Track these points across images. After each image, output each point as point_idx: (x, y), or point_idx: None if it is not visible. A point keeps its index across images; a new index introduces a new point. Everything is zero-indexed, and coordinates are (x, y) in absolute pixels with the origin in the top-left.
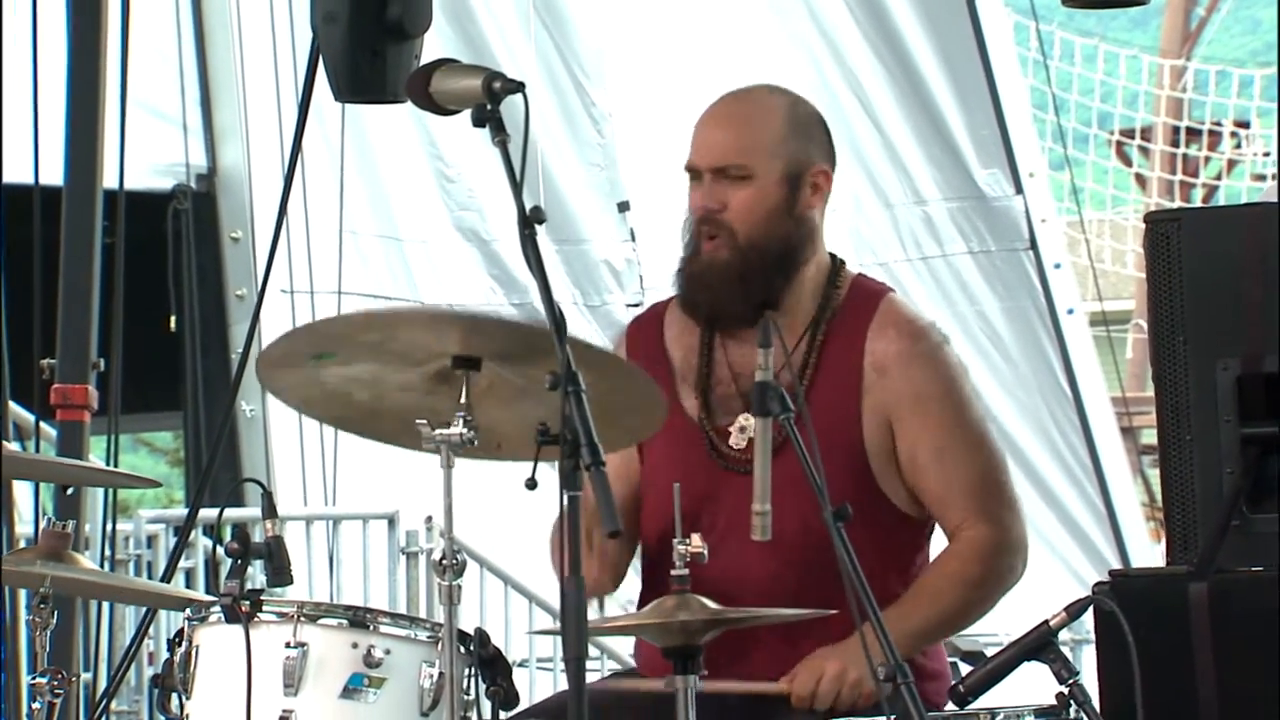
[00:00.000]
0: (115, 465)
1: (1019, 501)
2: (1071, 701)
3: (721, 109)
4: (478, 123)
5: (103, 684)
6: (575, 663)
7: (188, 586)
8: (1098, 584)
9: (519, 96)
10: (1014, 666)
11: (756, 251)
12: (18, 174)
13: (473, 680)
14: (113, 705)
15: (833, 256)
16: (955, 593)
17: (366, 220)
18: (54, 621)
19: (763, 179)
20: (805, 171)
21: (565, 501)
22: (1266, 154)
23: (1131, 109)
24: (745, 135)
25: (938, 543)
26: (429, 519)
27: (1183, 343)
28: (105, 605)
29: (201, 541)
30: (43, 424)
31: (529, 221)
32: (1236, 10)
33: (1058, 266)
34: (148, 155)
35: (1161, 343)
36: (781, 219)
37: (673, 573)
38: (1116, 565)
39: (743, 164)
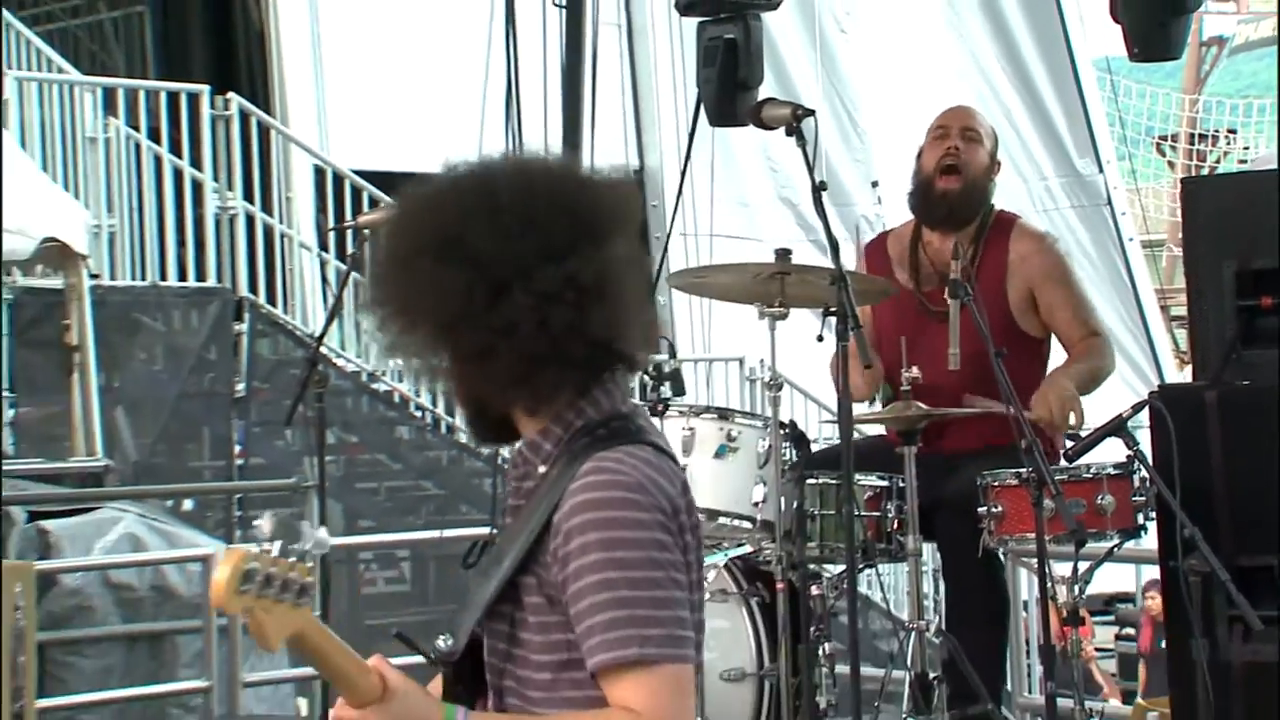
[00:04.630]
0: None
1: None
2: (1135, 460)
3: (960, 108)
4: (789, 134)
5: None
6: (845, 436)
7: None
8: (1151, 391)
9: (811, 119)
10: (1102, 439)
11: (973, 189)
12: None
13: (789, 449)
14: None
15: None
16: (1092, 359)
17: (729, 190)
18: None
19: (983, 148)
20: (996, 155)
21: (840, 348)
22: (1246, 148)
23: (1165, 123)
24: (978, 120)
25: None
26: (762, 360)
27: (1203, 250)
28: None
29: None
30: None
31: (817, 190)
32: (1227, 66)
33: (1123, 214)
34: (607, 162)
35: (1191, 250)
36: (986, 175)
37: (901, 387)
38: (1156, 383)
39: (978, 131)
